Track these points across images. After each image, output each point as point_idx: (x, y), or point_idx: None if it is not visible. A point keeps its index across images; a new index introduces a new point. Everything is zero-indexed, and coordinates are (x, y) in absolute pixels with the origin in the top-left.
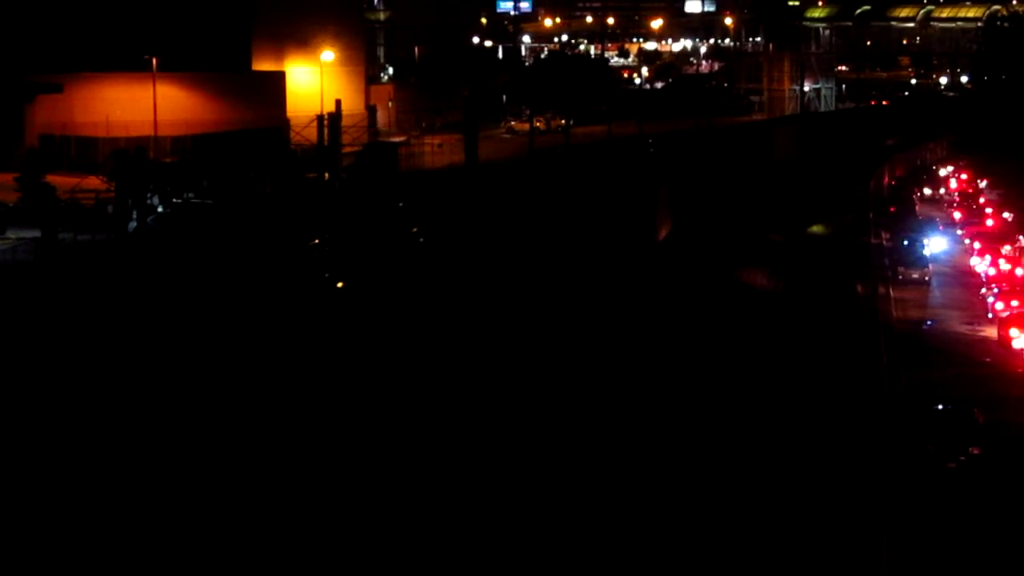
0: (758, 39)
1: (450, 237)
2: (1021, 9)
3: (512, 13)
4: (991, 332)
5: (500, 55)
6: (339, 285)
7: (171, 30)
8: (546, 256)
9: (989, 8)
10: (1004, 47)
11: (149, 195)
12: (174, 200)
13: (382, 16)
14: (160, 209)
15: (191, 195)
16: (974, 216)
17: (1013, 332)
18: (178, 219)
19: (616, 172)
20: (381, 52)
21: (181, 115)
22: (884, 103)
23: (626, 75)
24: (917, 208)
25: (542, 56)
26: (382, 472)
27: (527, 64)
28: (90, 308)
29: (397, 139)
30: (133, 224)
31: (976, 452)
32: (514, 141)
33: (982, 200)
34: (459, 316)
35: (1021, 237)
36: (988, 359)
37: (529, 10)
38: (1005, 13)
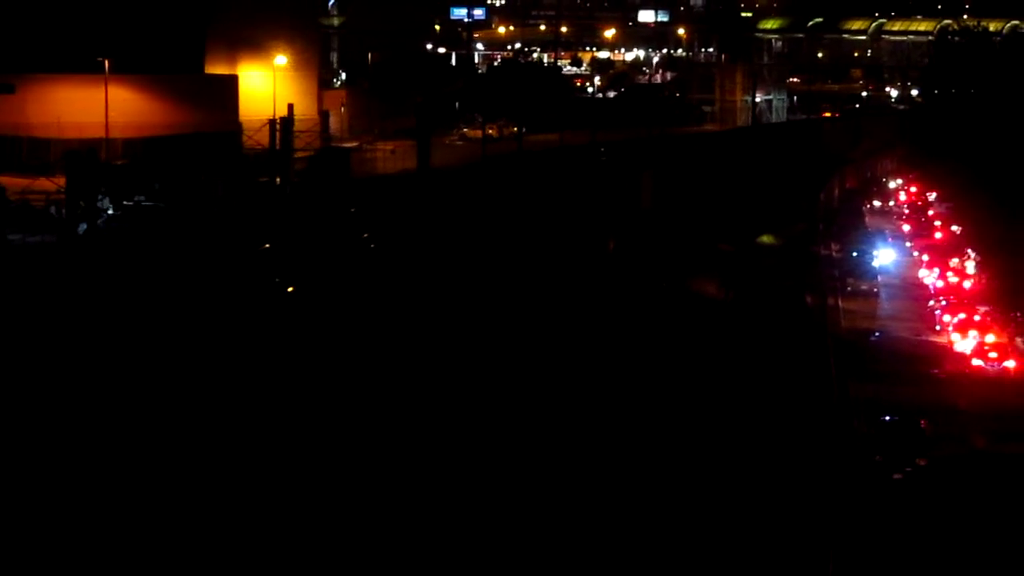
0: (711, 50)
1: (401, 243)
2: (972, 23)
3: (466, 20)
4: (940, 343)
5: (454, 62)
6: (289, 289)
7: (125, 32)
8: (496, 263)
9: (940, 22)
10: (954, 61)
11: (100, 197)
12: (125, 203)
13: (336, 21)
14: (111, 211)
15: (142, 198)
16: (923, 229)
17: (955, 336)
18: (129, 222)
19: (568, 179)
20: (335, 57)
21: (133, 117)
22: (835, 115)
23: (579, 84)
24: (867, 220)
25: (495, 64)
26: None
27: (480, 71)
28: (38, 309)
29: (350, 144)
30: (84, 227)
31: (923, 463)
32: (467, 148)
33: (931, 213)
34: (408, 321)
35: (969, 250)
36: (936, 370)
37: (483, 18)
38: (956, 27)
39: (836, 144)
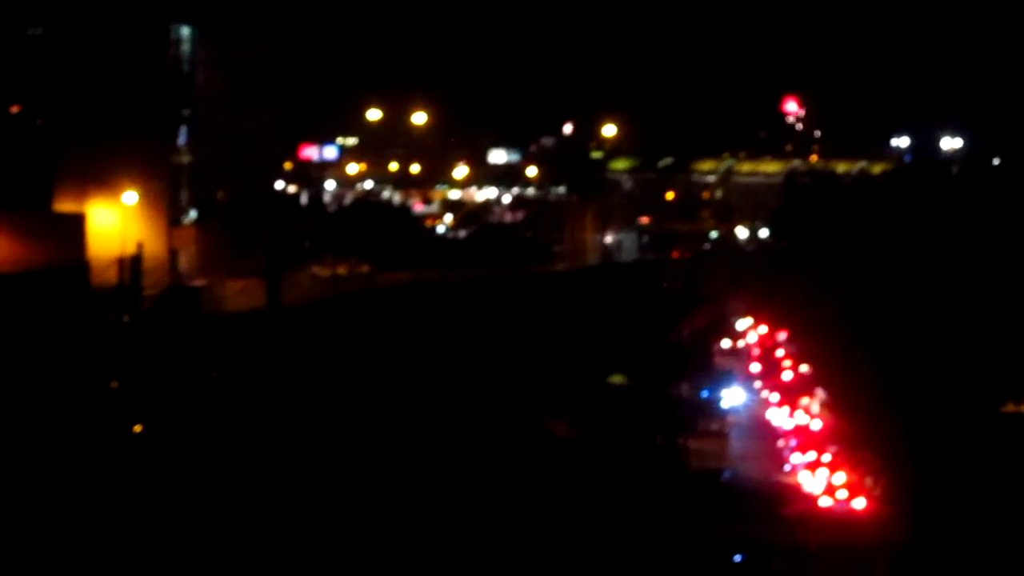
0: (561, 189)
1: (250, 381)
2: (820, 165)
3: (316, 159)
4: (790, 483)
5: (304, 200)
6: (136, 429)
7: None
8: (347, 404)
9: (789, 163)
10: (803, 202)
11: None
12: None
13: (186, 159)
14: None
15: None
16: (772, 368)
17: (804, 476)
18: None
19: (419, 317)
20: (184, 195)
21: None
22: (685, 255)
23: (430, 223)
24: (717, 360)
25: (346, 202)
26: None
27: (331, 210)
28: None
29: (199, 282)
30: None
31: None
32: (317, 286)
33: (780, 353)
34: (254, 468)
35: (818, 390)
36: (786, 510)
37: (335, 157)
38: (803, 169)
39: (686, 284)
